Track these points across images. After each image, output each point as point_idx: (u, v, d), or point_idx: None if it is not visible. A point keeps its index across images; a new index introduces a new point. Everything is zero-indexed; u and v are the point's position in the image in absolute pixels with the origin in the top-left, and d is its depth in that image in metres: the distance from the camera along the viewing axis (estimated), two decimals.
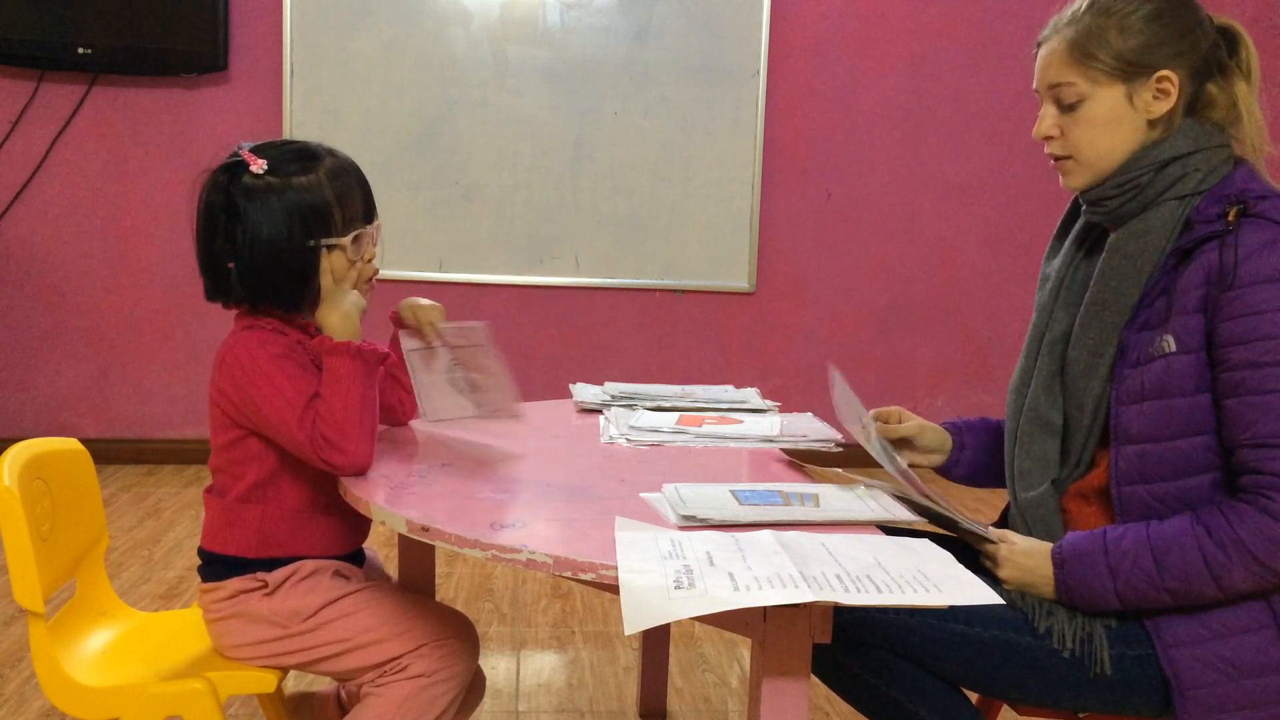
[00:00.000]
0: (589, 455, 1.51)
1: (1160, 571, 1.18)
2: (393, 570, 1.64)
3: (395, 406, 1.63)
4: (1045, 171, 1.39)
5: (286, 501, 1.42)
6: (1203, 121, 1.28)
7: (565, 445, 1.58)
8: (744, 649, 2.44)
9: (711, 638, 2.50)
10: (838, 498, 1.29)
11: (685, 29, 3.92)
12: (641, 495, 1.28)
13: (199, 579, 1.45)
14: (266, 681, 1.40)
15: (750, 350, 4.14)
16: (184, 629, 1.51)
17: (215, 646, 1.43)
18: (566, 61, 3.88)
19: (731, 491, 1.27)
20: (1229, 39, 1.29)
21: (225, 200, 1.38)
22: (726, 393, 1.98)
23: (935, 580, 1.00)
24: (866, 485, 1.34)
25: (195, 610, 1.50)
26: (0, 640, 2.31)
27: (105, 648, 1.45)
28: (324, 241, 1.40)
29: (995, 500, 1.48)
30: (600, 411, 1.82)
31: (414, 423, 1.68)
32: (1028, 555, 1.27)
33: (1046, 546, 1.27)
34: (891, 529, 1.32)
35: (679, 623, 2.34)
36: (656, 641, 2.07)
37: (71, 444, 1.47)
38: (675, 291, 4.06)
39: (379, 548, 2.20)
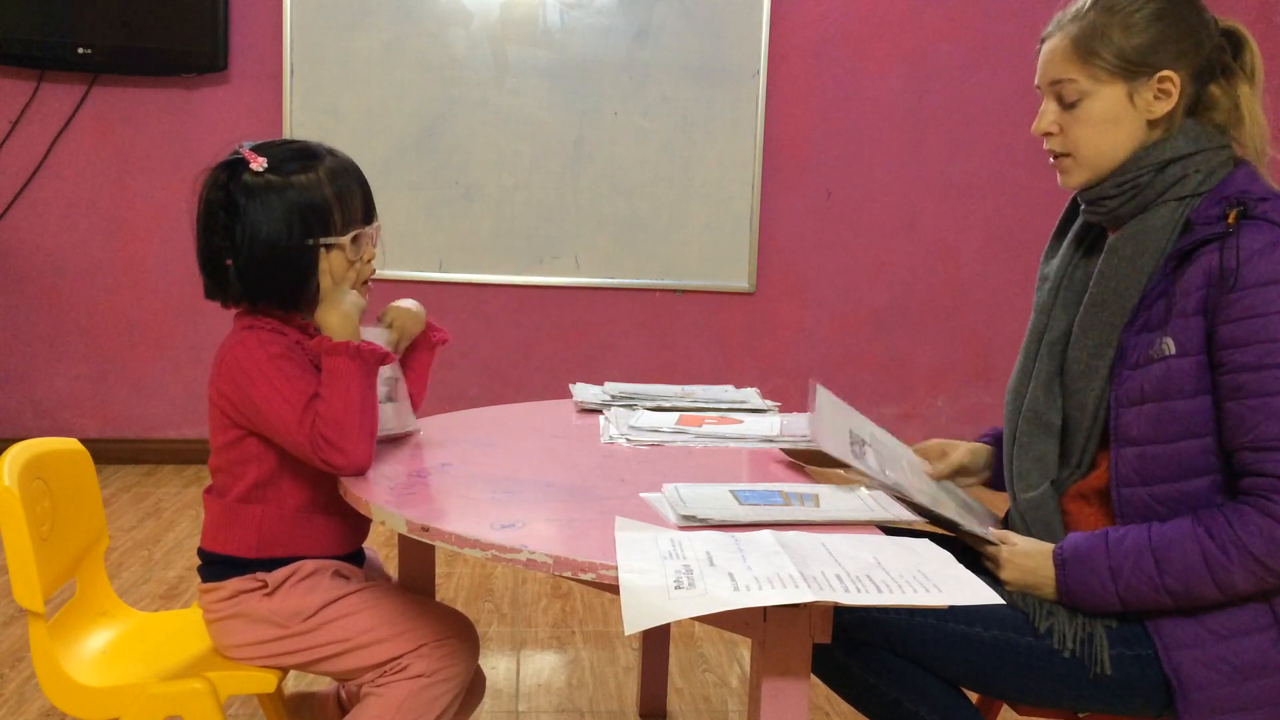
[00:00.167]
0: (589, 455, 1.51)
1: (1161, 573, 1.17)
2: (393, 570, 1.64)
3: None
4: (1045, 172, 1.39)
5: (286, 502, 1.42)
6: (1204, 123, 1.27)
7: (565, 445, 1.58)
8: (744, 649, 2.44)
9: (711, 638, 2.50)
10: (838, 498, 1.29)
11: (685, 29, 3.92)
12: (641, 495, 1.28)
13: (199, 579, 1.45)
14: (266, 681, 1.40)
15: (750, 350, 4.14)
16: (184, 629, 1.51)
17: (215, 646, 1.43)
18: (566, 61, 3.88)
19: (731, 491, 1.27)
20: (1233, 41, 1.29)
21: (225, 197, 1.38)
22: (726, 393, 1.98)
23: (935, 580, 1.00)
24: (866, 486, 1.34)
25: (195, 610, 1.50)
26: (0, 640, 2.31)
27: (105, 648, 1.45)
28: (323, 241, 1.39)
29: (999, 502, 1.47)
30: (600, 411, 1.82)
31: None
32: (1029, 556, 1.27)
33: (1047, 547, 1.26)
34: (891, 529, 1.32)
35: (679, 623, 2.34)
36: (656, 641, 2.06)
37: (71, 444, 1.46)
38: (675, 291, 4.06)
39: (379, 548, 2.20)
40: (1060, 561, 1.24)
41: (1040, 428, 1.36)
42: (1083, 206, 1.37)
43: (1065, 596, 1.24)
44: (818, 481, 1.40)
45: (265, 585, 1.39)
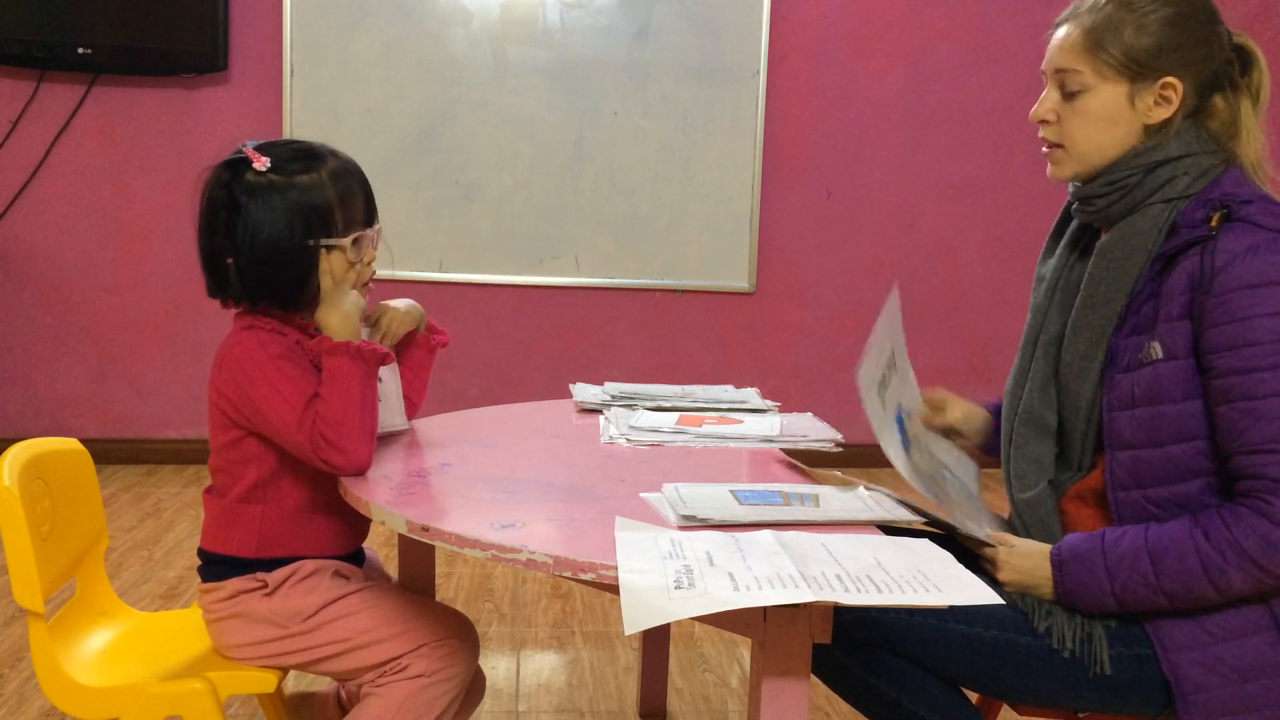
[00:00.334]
0: (589, 455, 1.51)
1: (1158, 574, 1.17)
2: (393, 570, 1.64)
3: None
4: (1045, 172, 1.38)
5: (286, 502, 1.42)
6: (1200, 128, 1.27)
7: (565, 445, 1.58)
8: (744, 649, 2.44)
9: (711, 638, 2.50)
10: (838, 498, 1.29)
11: (685, 29, 3.92)
12: (641, 495, 1.28)
13: (199, 579, 1.45)
14: (266, 681, 1.40)
15: (750, 350, 4.14)
16: (184, 629, 1.51)
17: (215, 646, 1.43)
18: (566, 61, 3.88)
19: (731, 491, 1.27)
20: (1243, 58, 1.28)
21: (227, 196, 1.38)
22: (726, 393, 1.98)
23: (935, 580, 1.00)
24: (866, 486, 1.34)
25: (195, 610, 1.50)
26: (0, 640, 2.31)
27: (105, 648, 1.45)
28: (324, 241, 1.40)
29: (1001, 502, 1.47)
30: (600, 411, 1.82)
31: (412, 422, 1.68)
32: (1026, 557, 1.27)
33: (1045, 548, 1.27)
34: (891, 529, 1.32)
35: (679, 623, 2.34)
36: (656, 641, 2.06)
37: (71, 444, 1.47)
38: (675, 291, 4.06)
39: (379, 548, 2.20)
40: (1058, 562, 1.24)
41: (1036, 429, 1.36)
42: (1074, 206, 1.37)
43: (1063, 598, 1.24)
44: (818, 482, 1.40)
45: (265, 585, 1.39)
